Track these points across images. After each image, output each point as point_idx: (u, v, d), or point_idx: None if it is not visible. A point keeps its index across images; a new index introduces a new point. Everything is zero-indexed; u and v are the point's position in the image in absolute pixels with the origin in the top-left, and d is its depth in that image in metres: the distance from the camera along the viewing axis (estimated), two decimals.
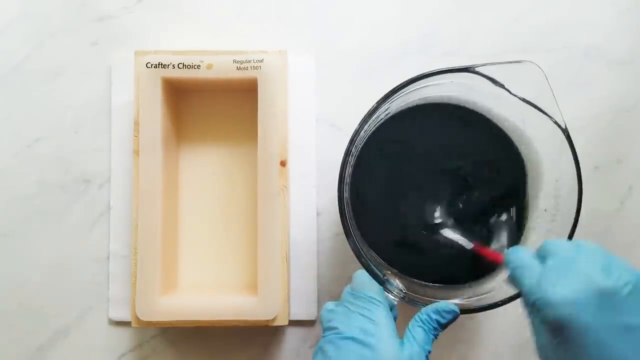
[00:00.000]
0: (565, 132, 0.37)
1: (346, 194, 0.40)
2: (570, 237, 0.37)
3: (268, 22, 0.50)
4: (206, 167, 0.48)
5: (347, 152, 0.38)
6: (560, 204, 0.39)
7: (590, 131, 0.50)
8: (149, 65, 0.44)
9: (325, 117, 0.49)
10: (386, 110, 0.40)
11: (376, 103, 0.38)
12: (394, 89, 0.38)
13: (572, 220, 0.37)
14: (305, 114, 0.49)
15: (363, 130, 0.38)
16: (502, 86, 0.37)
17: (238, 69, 0.44)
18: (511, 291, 0.37)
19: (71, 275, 0.48)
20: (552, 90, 0.37)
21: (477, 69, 0.37)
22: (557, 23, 0.50)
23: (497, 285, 0.42)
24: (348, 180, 0.41)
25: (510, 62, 0.37)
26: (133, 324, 0.44)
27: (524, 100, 0.37)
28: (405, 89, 0.38)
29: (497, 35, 0.50)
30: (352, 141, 0.38)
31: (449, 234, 0.42)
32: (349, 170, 0.40)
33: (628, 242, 0.49)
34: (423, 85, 0.39)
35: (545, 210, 0.41)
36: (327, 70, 0.49)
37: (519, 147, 0.43)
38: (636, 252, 0.49)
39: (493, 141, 0.43)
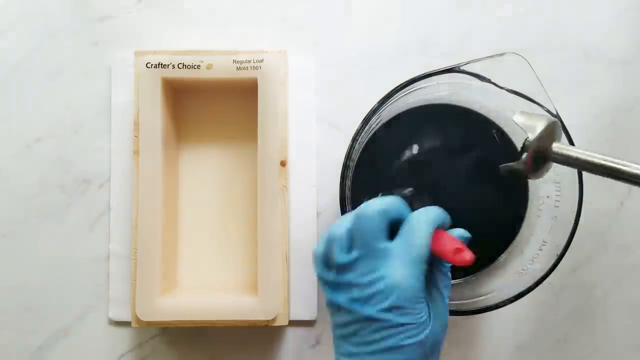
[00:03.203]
0: (557, 117, 0.37)
1: (348, 194, 0.40)
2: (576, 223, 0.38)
3: (268, 22, 0.50)
4: (206, 167, 0.48)
5: (348, 154, 0.38)
6: (562, 191, 0.40)
7: (590, 131, 0.50)
8: (149, 65, 0.44)
9: (325, 117, 0.49)
10: (379, 113, 0.40)
11: (377, 103, 0.38)
12: (392, 90, 0.38)
13: (575, 208, 0.38)
14: (305, 114, 0.49)
15: (364, 132, 0.38)
16: (488, 81, 0.37)
17: (238, 69, 0.44)
18: (512, 293, 0.37)
19: (71, 275, 0.48)
20: (538, 78, 0.37)
21: (462, 68, 0.37)
22: (557, 23, 0.50)
23: (496, 287, 0.42)
24: (349, 183, 0.41)
25: (493, 56, 0.36)
26: (133, 324, 0.44)
27: (511, 91, 0.37)
28: (400, 92, 0.38)
29: (496, 35, 0.50)
30: (353, 140, 0.38)
31: None
32: (349, 172, 0.40)
33: (628, 242, 0.49)
34: (419, 87, 0.39)
35: (547, 197, 0.41)
36: (327, 70, 0.49)
37: (513, 139, 0.43)
38: (636, 252, 0.49)
39: (489, 137, 0.43)
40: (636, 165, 0.31)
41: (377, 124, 0.42)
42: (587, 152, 0.32)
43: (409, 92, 0.40)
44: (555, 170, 0.40)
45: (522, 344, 0.48)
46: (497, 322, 0.48)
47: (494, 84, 0.37)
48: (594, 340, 0.49)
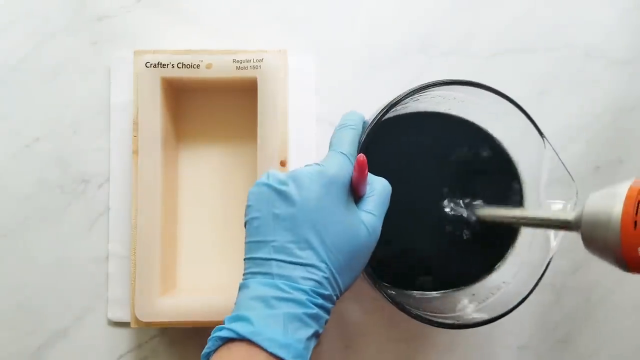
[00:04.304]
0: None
1: None
2: None
3: (268, 22, 0.50)
4: (206, 167, 0.48)
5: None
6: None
7: (591, 131, 0.49)
8: (148, 64, 0.44)
9: (325, 117, 0.49)
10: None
11: (385, 107, 0.38)
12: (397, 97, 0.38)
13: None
14: (305, 113, 0.49)
15: (365, 134, 0.38)
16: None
17: (238, 68, 0.44)
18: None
19: (70, 276, 0.48)
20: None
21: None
22: (557, 23, 0.50)
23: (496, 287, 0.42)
24: None
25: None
26: (132, 325, 0.44)
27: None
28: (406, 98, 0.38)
29: (496, 35, 0.50)
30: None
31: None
32: None
33: None
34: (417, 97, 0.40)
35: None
36: (327, 70, 0.49)
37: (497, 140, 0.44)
38: None
39: (481, 141, 0.44)
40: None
41: (372, 128, 0.42)
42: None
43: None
44: None
45: (523, 344, 0.48)
46: (498, 322, 0.48)
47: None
48: (595, 340, 0.49)
